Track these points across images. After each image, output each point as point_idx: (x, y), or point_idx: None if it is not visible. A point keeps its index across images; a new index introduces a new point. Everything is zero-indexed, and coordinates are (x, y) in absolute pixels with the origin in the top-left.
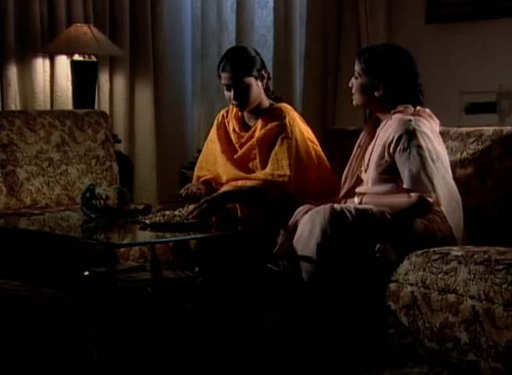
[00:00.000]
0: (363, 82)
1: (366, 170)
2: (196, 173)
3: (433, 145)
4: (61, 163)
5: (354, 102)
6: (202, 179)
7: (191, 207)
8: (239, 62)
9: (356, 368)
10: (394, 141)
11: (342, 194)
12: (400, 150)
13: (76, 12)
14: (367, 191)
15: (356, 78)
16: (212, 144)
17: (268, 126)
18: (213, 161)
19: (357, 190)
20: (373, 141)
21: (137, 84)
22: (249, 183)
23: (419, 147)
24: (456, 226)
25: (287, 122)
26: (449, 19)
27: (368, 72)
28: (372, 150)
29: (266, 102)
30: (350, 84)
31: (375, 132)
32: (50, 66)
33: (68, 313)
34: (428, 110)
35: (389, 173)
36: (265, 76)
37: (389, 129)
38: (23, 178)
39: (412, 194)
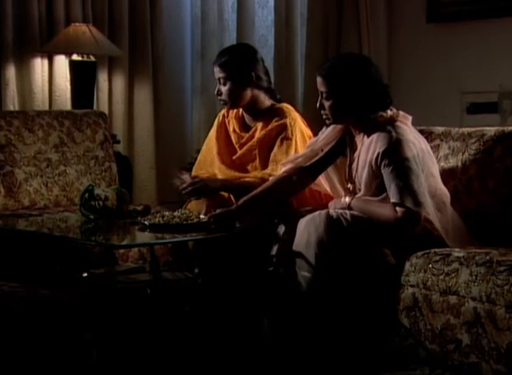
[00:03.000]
0: (335, 103)
1: (354, 187)
2: (194, 173)
3: (416, 149)
4: (59, 164)
5: (328, 122)
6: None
7: (186, 182)
8: (226, 58)
9: (356, 370)
10: (380, 156)
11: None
12: (385, 164)
13: (75, 12)
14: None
15: (327, 99)
16: (211, 143)
17: (269, 127)
18: (210, 161)
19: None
20: (355, 158)
21: (136, 84)
22: (247, 179)
23: (406, 159)
24: (443, 226)
25: (288, 122)
26: (449, 18)
27: (337, 91)
28: (357, 168)
29: (267, 102)
30: (318, 106)
31: (342, 139)
32: (48, 65)
33: (67, 315)
34: (401, 112)
35: (380, 189)
36: (253, 78)
37: (371, 146)
38: (22, 179)
39: (398, 209)
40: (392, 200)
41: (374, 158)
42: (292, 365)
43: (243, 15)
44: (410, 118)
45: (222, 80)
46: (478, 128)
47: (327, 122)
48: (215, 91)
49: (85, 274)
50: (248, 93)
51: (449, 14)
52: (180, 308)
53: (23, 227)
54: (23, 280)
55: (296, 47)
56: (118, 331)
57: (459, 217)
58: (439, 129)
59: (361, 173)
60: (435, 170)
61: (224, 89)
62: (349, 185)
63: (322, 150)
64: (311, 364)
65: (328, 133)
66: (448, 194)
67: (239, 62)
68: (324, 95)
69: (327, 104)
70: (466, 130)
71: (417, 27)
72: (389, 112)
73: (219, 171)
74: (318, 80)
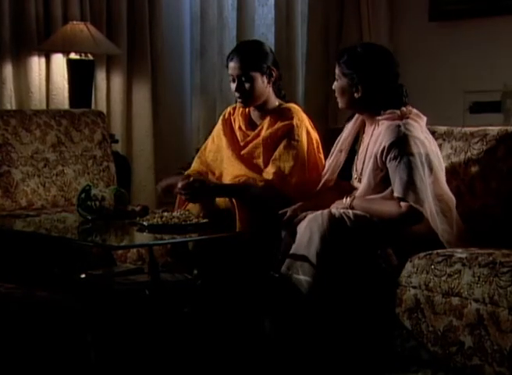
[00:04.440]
0: (342, 84)
1: (359, 179)
2: (194, 167)
3: (424, 148)
4: (57, 164)
5: (339, 105)
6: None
7: (182, 184)
8: (248, 54)
9: (358, 372)
10: (386, 149)
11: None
12: (390, 158)
13: (73, 10)
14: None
15: (336, 80)
16: (219, 141)
17: (275, 126)
18: (221, 159)
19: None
20: (363, 150)
21: (135, 83)
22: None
23: (410, 154)
24: (446, 228)
25: (295, 123)
26: (452, 16)
27: (346, 73)
28: (364, 160)
29: (275, 102)
30: (333, 87)
31: (357, 136)
32: (46, 64)
33: (64, 317)
34: (414, 110)
35: (384, 183)
36: (274, 74)
37: (379, 138)
38: (19, 179)
39: (402, 204)
40: (396, 194)
41: (380, 150)
42: (293, 367)
43: (243, 13)
44: (424, 118)
45: (244, 78)
46: (481, 128)
47: (339, 106)
48: (234, 89)
49: (83, 275)
50: (268, 90)
51: (452, 12)
52: (179, 309)
53: (20, 228)
54: (20, 281)
55: (296, 45)
56: (116, 333)
57: (460, 219)
58: (442, 128)
59: (367, 165)
60: (443, 175)
61: (247, 86)
62: (355, 176)
63: (341, 151)
64: (312, 367)
65: (346, 132)
66: (454, 199)
67: (262, 58)
68: (335, 77)
69: (335, 85)
70: (469, 129)
71: (420, 26)
72: (403, 109)
73: (229, 165)
74: (337, 66)
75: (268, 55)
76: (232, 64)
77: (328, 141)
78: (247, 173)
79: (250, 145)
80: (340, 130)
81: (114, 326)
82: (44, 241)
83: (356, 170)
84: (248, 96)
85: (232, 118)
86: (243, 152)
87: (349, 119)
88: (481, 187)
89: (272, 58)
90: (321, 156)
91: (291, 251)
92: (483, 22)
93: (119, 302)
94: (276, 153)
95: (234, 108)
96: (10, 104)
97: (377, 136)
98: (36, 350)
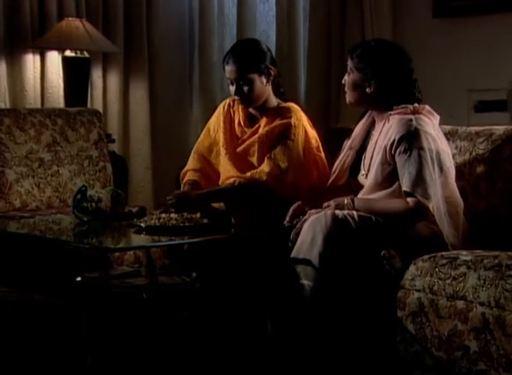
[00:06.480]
0: (354, 78)
1: (367, 176)
2: (191, 166)
3: (436, 145)
4: (52, 164)
5: (347, 100)
6: (189, 181)
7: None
8: (244, 55)
9: None
10: (396, 142)
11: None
12: (400, 151)
13: (68, 6)
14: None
15: (348, 74)
16: (216, 135)
17: (273, 125)
18: (217, 153)
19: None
20: (372, 145)
21: (132, 81)
22: (238, 180)
23: (421, 148)
24: (451, 231)
25: (292, 122)
26: (457, 13)
27: (359, 68)
28: (373, 154)
29: (274, 101)
30: (343, 81)
31: (368, 133)
32: (40, 62)
33: (60, 320)
34: (427, 107)
35: (392, 178)
36: (272, 73)
37: (389, 131)
38: (13, 179)
39: (409, 199)
40: (404, 188)
41: (389, 143)
42: (295, 370)
43: (243, 10)
44: (437, 117)
45: (242, 81)
46: (486, 127)
47: (347, 100)
48: (233, 92)
49: (79, 278)
50: (267, 89)
51: (457, 9)
52: (177, 313)
53: (14, 230)
54: (13, 284)
55: (298, 43)
56: (113, 337)
57: (466, 221)
58: (446, 128)
59: (376, 159)
60: (453, 177)
61: (246, 88)
62: (363, 172)
63: (352, 148)
64: (315, 371)
65: (357, 129)
66: (462, 203)
67: (259, 58)
68: (347, 70)
69: (347, 79)
70: (474, 129)
71: (423, 22)
72: (416, 105)
73: (222, 164)
74: (349, 59)
75: (265, 54)
76: (228, 67)
77: (330, 141)
78: (239, 175)
79: (246, 143)
80: (343, 130)
81: (111, 329)
82: (39, 243)
83: (364, 166)
84: (248, 98)
85: (232, 110)
86: (238, 150)
87: (361, 118)
88: (487, 187)
89: (270, 57)
90: (322, 155)
91: (292, 253)
92: (488, 19)
93: (115, 306)
94: (272, 153)
95: (234, 100)
96: (4, 102)
97: (387, 130)
98: (31, 353)
